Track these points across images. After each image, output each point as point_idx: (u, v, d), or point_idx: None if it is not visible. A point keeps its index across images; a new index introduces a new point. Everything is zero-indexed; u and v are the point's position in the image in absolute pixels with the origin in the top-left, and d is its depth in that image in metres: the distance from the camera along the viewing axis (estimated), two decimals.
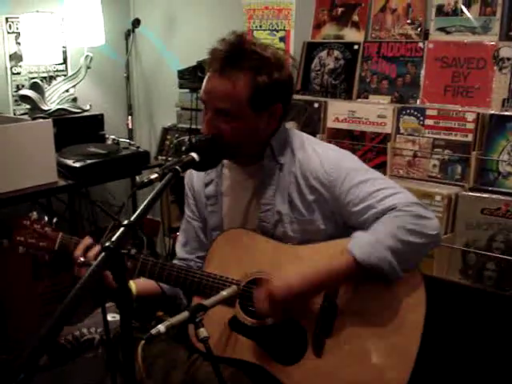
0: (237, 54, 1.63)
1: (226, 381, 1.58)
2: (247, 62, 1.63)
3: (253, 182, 1.81)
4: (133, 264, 1.72)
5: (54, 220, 1.84)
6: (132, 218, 1.12)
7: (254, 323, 1.68)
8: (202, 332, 1.39)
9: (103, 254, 1.00)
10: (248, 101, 1.63)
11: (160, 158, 3.74)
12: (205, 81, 1.68)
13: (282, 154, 1.76)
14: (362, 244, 1.58)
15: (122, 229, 1.08)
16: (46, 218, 1.83)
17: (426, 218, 1.61)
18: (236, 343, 1.69)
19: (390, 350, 1.62)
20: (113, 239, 1.03)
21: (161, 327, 1.35)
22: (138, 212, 1.15)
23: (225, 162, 1.85)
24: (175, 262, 1.98)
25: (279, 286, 1.58)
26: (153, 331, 1.34)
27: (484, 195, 2.42)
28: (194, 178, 1.93)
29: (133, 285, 1.81)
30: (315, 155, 1.74)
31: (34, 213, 1.83)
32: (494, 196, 2.41)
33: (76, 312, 0.86)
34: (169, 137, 3.78)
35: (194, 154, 1.54)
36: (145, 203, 1.20)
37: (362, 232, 1.63)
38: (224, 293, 1.53)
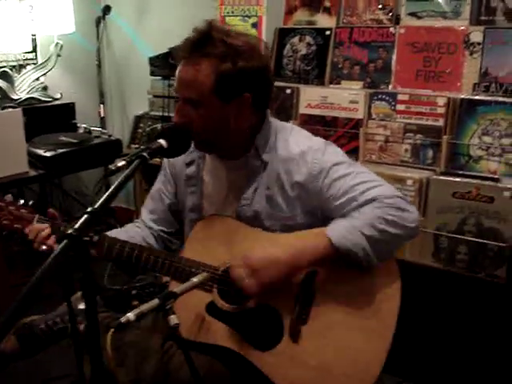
0: (203, 40, 1.61)
1: (202, 369, 1.58)
2: (212, 48, 1.60)
3: (234, 175, 1.80)
4: (109, 248, 1.70)
5: (31, 202, 1.79)
6: (96, 206, 1.10)
7: (231, 309, 1.68)
8: (173, 319, 1.38)
9: (65, 241, 0.99)
10: (212, 88, 1.60)
11: (133, 146, 3.72)
12: (176, 71, 1.67)
13: (265, 152, 1.74)
14: (338, 228, 1.59)
15: (85, 216, 1.07)
16: (22, 201, 1.79)
17: (405, 210, 1.62)
18: (213, 328, 1.68)
19: (366, 336, 1.63)
20: (75, 226, 1.02)
21: (130, 315, 1.33)
22: (102, 199, 1.13)
23: None
24: (136, 223, 1.97)
25: (258, 257, 1.57)
26: (122, 319, 1.32)
27: (455, 179, 2.44)
28: None
29: None
30: (298, 149, 1.72)
31: (9, 195, 1.79)
32: (465, 180, 2.43)
33: (36, 300, 0.85)
34: (141, 125, 3.76)
35: (163, 141, 1.52)
36: (110, 190, 1.18)
37: (339, 219, 1.64)
38: (195, 279, 1.52)
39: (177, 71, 1.66)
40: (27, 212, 1.77)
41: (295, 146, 1.73)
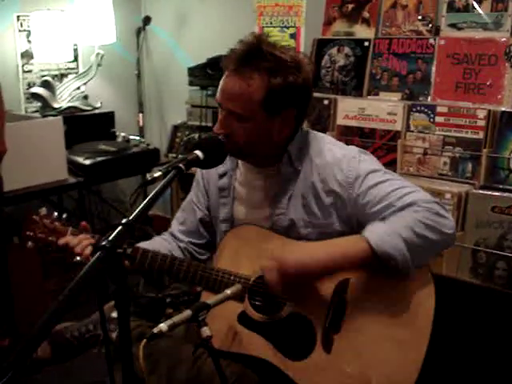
0: (253, 53, 1.61)
1: (233, 376, 1.60)
2: (263, 62, 1.59)
3: (268, 183, 1.80)
4: (142, 258, 1.73)
5: (64, 215, 1.85)
6: (131, 217, 1.11)
7: (262, 318, 1.68)
8: (205, 331, 1.39)
9: (98, 253, 1.00)
10: (261, 103, 1.61)
11: (170, 155, 3.75)
12: (221, 81, 1.67)
13: (299, 160, 1.74)
14: (377, 231, 1.57)
15: (119, 228, 1.07)
16: (56, 214, 1.84)
17: (443, 216, 1.60)
18: (245, 339, 1.68)
19: (399, 346, 1.60)
20: (110, 238, 1.02)
21: (163, 326, 1.34)
22: (137, 211, 1.14)
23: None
24: (163, 235, 1.98)
25: (291, 258, 1.55)
26: (155, 330, 1.33)
27: (495, 193, 2.40)
28: None
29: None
30: (333, 158, 1.72)
31: (44, 208, 1.85)
32: (505, 194, 2.38)
33: (68, 312, 0.86)
34: (179, 134, 3.79)
35: (199, 152, 1.52)
36: (145, 201, 1.18)
37: (378, 222, 1.62)
38: (228, 291, 1.52)
39: (222, 82, 1.65)
40: (61, 225, 1.82)
41: (330, 154, 1.73)
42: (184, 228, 1.96)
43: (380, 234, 1.55)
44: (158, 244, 1.89)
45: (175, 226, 1.98)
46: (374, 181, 1.66)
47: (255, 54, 1.61)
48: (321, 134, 1.84)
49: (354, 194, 1.67)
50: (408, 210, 1.59)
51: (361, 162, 1.70)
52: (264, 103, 1.61)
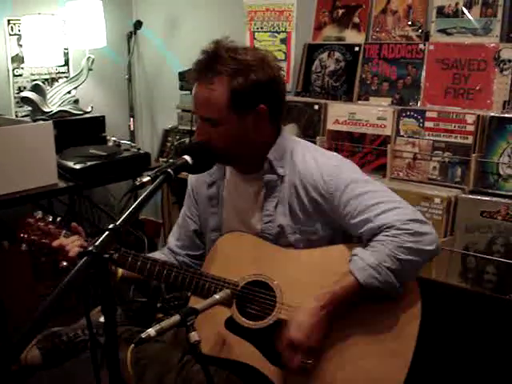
0: (211, 60, 1.65)
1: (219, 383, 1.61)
2: (221, 66, 1.63)
3: (254, 190, 1.82)
4: (133, 261, 1.74)
5: (58, 219, 1.87)
6: (118, 222, 1.11)
7: (249, 325, 1.68)
8: (194, 336, 1.39)
9: (85, 258, 1.00)
10: (228, 105, 1.64)
11: (161, 159, 3.74)
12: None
13: (281, 166, 1.76)
14: (364, 266, 1.59)
15: (106, 233, 1.07)
16: (51, 217, 1.87)
17: (423, 234, 1.61)
18: (232, 344, 1.69)
19: (384, 357, 1.62)
20: (96, 244, 1.02)
21: (151, 331, 1.34)
22: (124, 216, 1.14)
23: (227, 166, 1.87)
24: (162, 250, 2.01)
25: (300, 338, 1.58)
26: (143, 335, 1.33)
27: (484, 198, 2.40)
28: (197, 177, 1.93)
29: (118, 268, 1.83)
30: (315, 166, 1.73)
31: (39, 212, 1.88)
32: (494, 199, 2.39)
33: (56, 315, 0.86)
34: (170, 138, 3.78)
35: (187, 157, 1.54)
36: (133, 207, 1.18)
37: (362, 250, 1.63)
38: (216, 296, 1.53)
39: (193, 92, 1.70)
40: (55, 228, 1.84)
41: (312, 162, 1.74)
42: (180, 243, 1.99)
43: (367, 269, 1.58)
44: (157, 257, 1.90)
45: (172, 242, 2.01)
46: (354, 192, 1.67)
47: (214, 60, 1.64)
48: (304, 141, 1.87)
49: (335, 204, 1.70)
50: (387, 233, 1.61)
51: (342, 171, 1.72)
52: (231, 105, 1.64)
